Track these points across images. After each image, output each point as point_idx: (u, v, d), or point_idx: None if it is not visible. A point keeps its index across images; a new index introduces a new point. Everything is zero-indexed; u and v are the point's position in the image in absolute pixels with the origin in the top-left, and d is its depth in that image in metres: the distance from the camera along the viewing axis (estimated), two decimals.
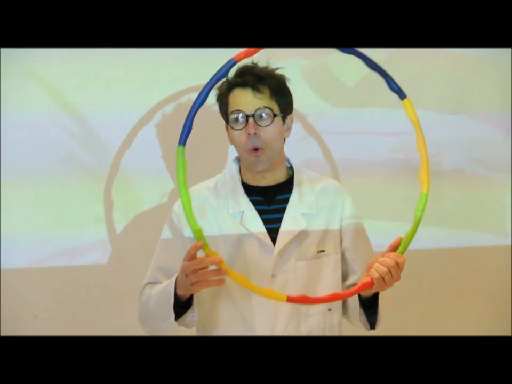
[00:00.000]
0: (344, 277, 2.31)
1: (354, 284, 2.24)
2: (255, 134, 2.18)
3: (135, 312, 2.34)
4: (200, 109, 1.97)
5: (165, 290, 2.15)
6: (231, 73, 2.17)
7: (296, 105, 2.33)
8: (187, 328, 2.21)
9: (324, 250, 2.26)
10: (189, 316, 2.15)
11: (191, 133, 1.96)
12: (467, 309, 3.34)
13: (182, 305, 2.14)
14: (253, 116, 2.18)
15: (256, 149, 2.20)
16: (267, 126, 2.19)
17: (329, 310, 2.26)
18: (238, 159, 2.32)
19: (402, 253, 2.01)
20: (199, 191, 2.30)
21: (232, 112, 2.20)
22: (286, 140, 2.29)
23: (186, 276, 2.02)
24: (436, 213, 3.39)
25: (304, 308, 2.24)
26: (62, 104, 3.25)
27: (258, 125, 2.18)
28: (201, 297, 2.23)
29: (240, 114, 2.19)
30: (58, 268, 3.24)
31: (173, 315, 2.12)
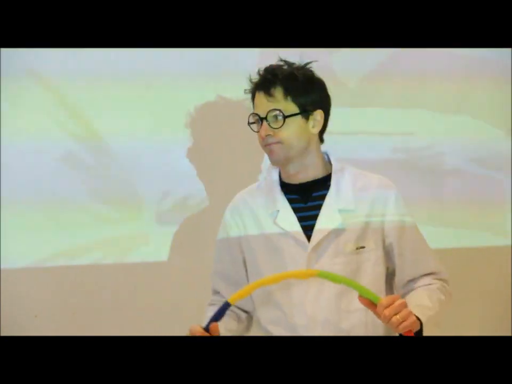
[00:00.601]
0: (394, 274, 2.31)
1: (406, 282, 2.29)
2: (269, 135, 2.24)
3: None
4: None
5: None
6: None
7: None
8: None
9: (363, 247, 2.26)
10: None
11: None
12: (467, 309, 3.33)
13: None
14: (266, 118, 2.24)
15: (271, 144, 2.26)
16: (278, 127, 2.23)
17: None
18: None
19: (377, 299, 2.01)
20: (241, 196, 2.40)
21: (250, 115, 2.28)
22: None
23: None
24: (435, 213, 3.39)
25: (344, 304, 2.24)
26: (62, 104, 3.25)
27: (271, 126, 2.24)
28: (254, 298, 2.33)
29: (255, 117, 2.27)
30: (58, 267, 3.24)
31: None
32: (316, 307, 2.24)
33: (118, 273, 3.26)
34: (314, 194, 2.29)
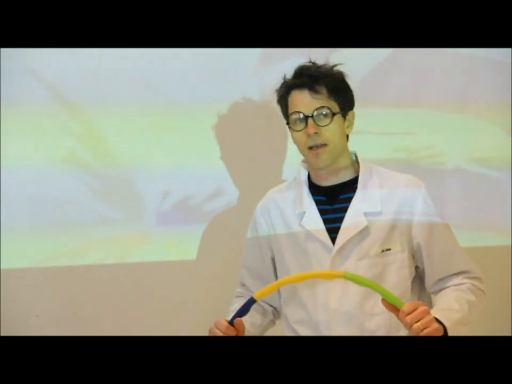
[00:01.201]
0: (424, 273, 2.31)
1: (437, 281, 2.28)
2: (316, 133, 2.22)
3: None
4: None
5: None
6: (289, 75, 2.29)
7: None
8: None
9: (389, 249, 2.25)
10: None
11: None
12: None
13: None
14: (312, 116, 2.22)
15: (316, 146, 2.23)
16: (326, 125, 2.22)
17: None
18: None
19: (400, 304, 2.03)
20: (271, 195, 2.41)
21: (292, 114, 2.24)
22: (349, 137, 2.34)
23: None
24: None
25: (368, 306, 2.24)
26: (63, 105, 3.25)
27: (317, 124, 2.22)
28: (282, 296, 2.36)
29: (300, 115, 2.23)
30: (60, 268, 3.24)
31: None
32: (340, 308, 2.24)
33: (119, 273, 3.26)
34: (341, 196, 2.29)
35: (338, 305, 2.24)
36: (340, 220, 2.26)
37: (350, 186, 2.30)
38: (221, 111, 3.27)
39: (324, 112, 2.22)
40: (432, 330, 2.02)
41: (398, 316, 2.04)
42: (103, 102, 3.24)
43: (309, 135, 2.23)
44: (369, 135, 3.30)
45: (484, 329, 3.15)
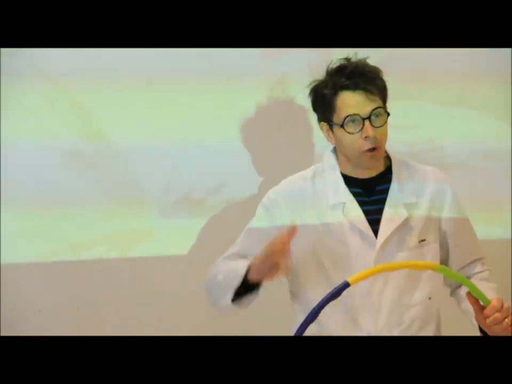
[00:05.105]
0: (445, 263, 2.33)
1: (458, 270, 2.31)
2: (374, 136, 2.19)
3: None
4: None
5: (234, 270, 2.22)
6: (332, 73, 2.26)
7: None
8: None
9: (424, 240, 2.27)
10: (250, 299, 2.22)
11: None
12: None
13: (247, 289, 2.20)
14: (369, 118, 2.19)
15: (373, 148, 2.21)
16: (382, 126, 2.20)
17: (430, 298, 2.29)
18: (335, 150, 2.32)
19: (487, 301, 2.04)
20: (294, 182, 2.33)
21: (348, 116, 2.19)
22: None
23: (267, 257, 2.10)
24: None
25: (406, 298, 2.25)
26: (65, 101, 3.25)
27: (373, 126, 2.19)
28: (302, 288, 2.28)
29: (357, 118, 2.19)
30: (62, 263, 3.24)
31: (230, 296, 2.20)
32: (380, 300, 2.24)
33: (122, 267, 3.27)
34: (377, 188, 2.29)
35: (378, 297, 2.24)
36: (379, 211, 2.26)
37: (384, 178, 2.30)
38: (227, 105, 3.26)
39: (381, 113, 2.20)
40: None
41: (479, 311, 2.06)
42: (105, 96, 3.24)
43: (366, 137, 2.19)
44: None
45: None
